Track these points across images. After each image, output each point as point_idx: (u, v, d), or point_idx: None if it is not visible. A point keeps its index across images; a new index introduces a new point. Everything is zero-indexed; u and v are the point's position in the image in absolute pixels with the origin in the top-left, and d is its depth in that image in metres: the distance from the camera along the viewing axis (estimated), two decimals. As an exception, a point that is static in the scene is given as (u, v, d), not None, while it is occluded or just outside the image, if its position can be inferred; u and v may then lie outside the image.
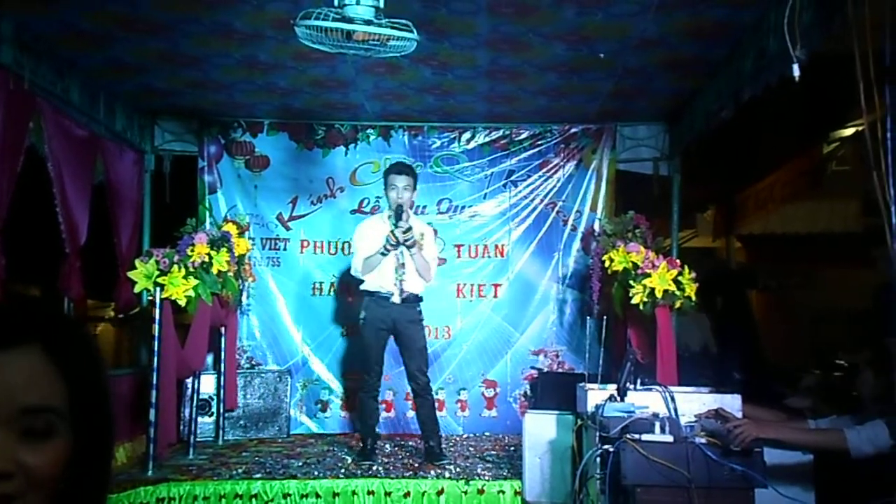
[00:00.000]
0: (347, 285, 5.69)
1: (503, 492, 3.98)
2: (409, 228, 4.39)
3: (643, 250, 4.39)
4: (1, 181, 3.56)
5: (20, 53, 3.72)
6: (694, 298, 4.24)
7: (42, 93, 3.97)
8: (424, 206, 5.69)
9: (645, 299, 4.21)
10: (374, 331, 4.51)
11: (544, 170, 5.73)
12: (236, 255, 4.89)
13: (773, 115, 5.09)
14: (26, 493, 0.74)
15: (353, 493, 3.99)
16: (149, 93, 4.95)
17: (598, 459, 3.23)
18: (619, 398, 3.41)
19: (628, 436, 3.12)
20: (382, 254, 4.41)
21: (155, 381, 4.14)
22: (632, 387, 3.54)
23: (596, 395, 3.56)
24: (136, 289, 4.37)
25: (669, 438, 3.05)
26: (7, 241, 3.70)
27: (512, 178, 5.76)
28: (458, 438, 5.27)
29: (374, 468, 4.27)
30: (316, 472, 4.15)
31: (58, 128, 4.17)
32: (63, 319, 0.83)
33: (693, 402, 3.36)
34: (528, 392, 5.41)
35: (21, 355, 0.75)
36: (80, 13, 3.68)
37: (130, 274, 4.67)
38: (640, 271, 4.28)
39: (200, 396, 4.98)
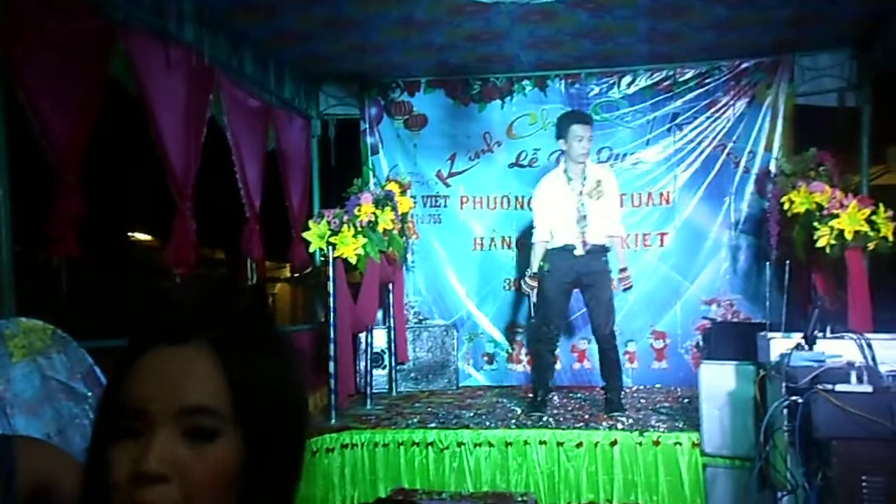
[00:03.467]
0: (510, 239, 5.71)
1: (680, 444, 3.86)
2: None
3: (828, 189, 4.06)
4: (188, 152, 3.84)
5: (200, 30, 3.96)
6: (891, 238, 3.87)
7: (219, 66, 4.22)
8: (583, 156, 5.57)
9: (832, 242, 3.90)
10: (556, 284, 4.44)
11: (712, 110, 5.41)
12: (400, 213, 5.02)
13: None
14: (181, 501, 0.68)
15: (526, 442, 4.03)
16: (313, 59, 5.13)
17: (786, 411, 3.06)
18: (806, 347, 3.20)
19: (820, 386, 2.93)
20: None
21: (332, 336, 4.36)
22: (820, 335, 3.31)
23: (780, 345, 3.36)
24: (311, 249, 4.60)
25: (868, 388, 2.83)
26: (195, 208, 3.99)
27: (676, 121, 5.49)
28: (628, 390, 5.16)
29: (545, 419, 4.28)
30: (487, 423, 4.23)
31: (234, 99, 4.42)
32: (241, 317, 0.78)
33: (893, 350, 3.09)
34: (701, 343, 5.20)
35: (184, 351, 0.72)
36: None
37: (304, 235, 4.93)
38: (825, 212, 3.96)
39: (374, 350, 5.20)
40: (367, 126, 5.79)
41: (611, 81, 5.54)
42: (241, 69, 4.55)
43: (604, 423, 4.12)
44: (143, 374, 0.71)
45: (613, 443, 3.94)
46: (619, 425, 4.08)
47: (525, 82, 5.65)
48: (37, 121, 2.81)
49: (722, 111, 5.39)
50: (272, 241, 5.72)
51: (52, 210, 2.87)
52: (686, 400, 4.67)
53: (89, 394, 2.70)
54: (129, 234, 8.78)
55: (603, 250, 4.41)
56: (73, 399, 2.64)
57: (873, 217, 3.84)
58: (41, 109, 2.82)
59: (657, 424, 4.08)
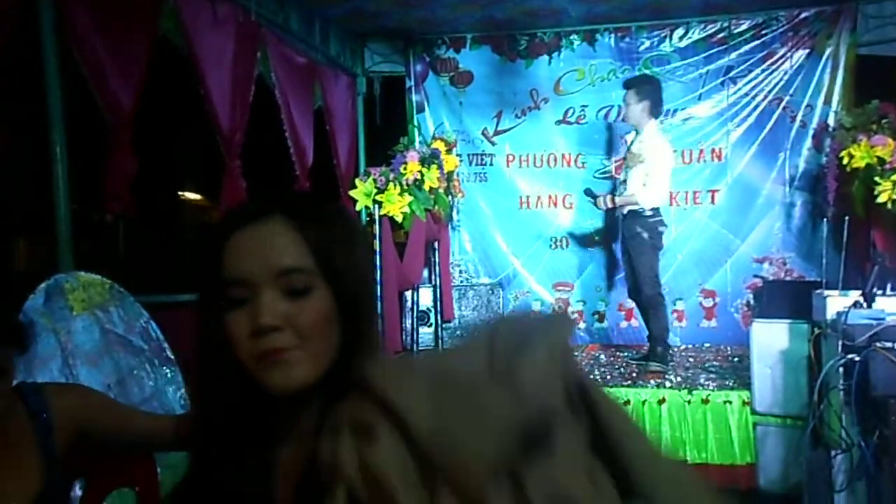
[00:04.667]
0: (556, 197, 5.66)
1: (730, 402, 3.83)
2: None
3: (891, 143, 3.91)
4: (237, 110, 3.86)
5: (245, -14, 3.96)
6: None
7: (266, 24, 4.22)
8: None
9: (894, 197, 3.76)
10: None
11: (768, 63, 5.22)
12: (445, 171, 5.00)
13: None
14: (297, 345, 0.82)
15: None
16: (358, 16, 5.09)
17: (842, 369, 3.00)
18: (865, 305, 3.13)
19: (878, 344, 2.87)
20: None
21: (379, 294, 4.39)
22: (880, 292, 3.23)
23: (837, 303, 3.29)
24: (357, 207, 4.61)
25: (930, 347, 2.76)
26: (245, 165, 4.03)
27: (730, 74, 5.31)
28: (676, 349, 5.12)
29: (592, 376, 4.28)
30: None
31: (281, 56, 4.42)
32: (302, 197, 0.96)
33: (957, 309, 3.00)
34: (752, 301, 5.11)
35: (265, 225, 0.84)
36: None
37: (351, 193, 4.94)
38: (888, 166, 3.82)
39: (420, 308, 5.23)
40: (413, 83, 5.75)
41: (662, 35, 5.38)
42: (287, 26, 4.54)
43: (652, 382, 4.10)
44: (237, 252, 0.84)
45: (661, 401, 3.93)
46: (668, 384, 4.05)
47: (573, 37, 5.52)
48: (92, 79, 2.85)
49: (779, 63, 5.20)
50: (321, 198, 5.76)
51: (108, 168, 2.92)
52: (736, 359, 4.61)
53: (145, 347, 2.78)
54: (180, 193, 8.94)
55: (646, 214, 4.40)
56: (131, 351, 2.72)
57: (939, 171, 3.69)
58: (95, 67, 2.86)
59: (706, 383, 4.04)
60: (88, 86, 2.86)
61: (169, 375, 2.78)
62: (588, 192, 4.78)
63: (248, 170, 4.05)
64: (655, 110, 4.53)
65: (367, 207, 4.59)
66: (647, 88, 4.49)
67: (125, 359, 2.69)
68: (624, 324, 5.52)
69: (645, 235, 4.39)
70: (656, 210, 4.42)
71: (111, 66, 2.90)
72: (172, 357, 2.79)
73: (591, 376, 4.24)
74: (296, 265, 0.83)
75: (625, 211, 4.48)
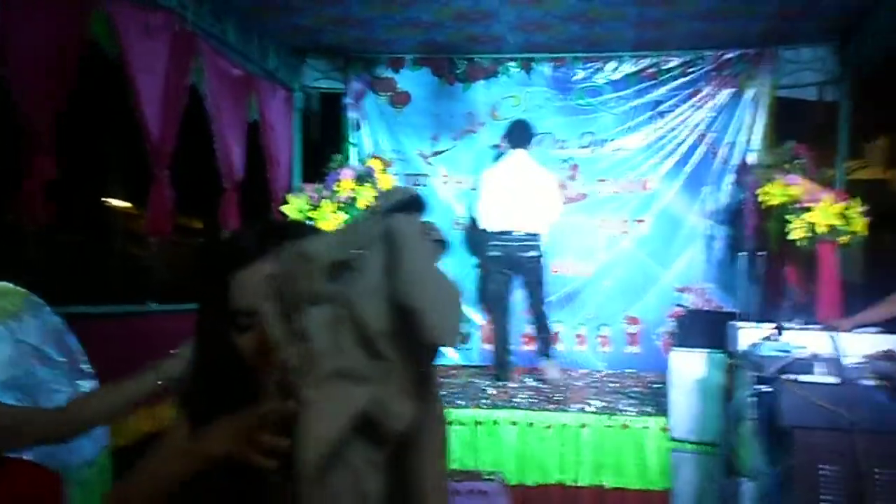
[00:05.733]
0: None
1: (648, 428, 3.93)
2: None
3: (804, 182, 4.11)
4: (167, 119, 3.79)
5: (182, -4, 3.90)
6: (863, 233, 3.93)
7: (202, 33, 4.16)
8: (565, 140, 5.58)
9: (805, 234, 3.95)
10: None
11: (695, 100, 5.43)
12: (381, 190, 5.01)
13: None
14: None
15: (495, 423, 4.07)
16: (297, 31, 5.08)
17: (753, 399, 3.12)
18: (775, 337, 3.26)
19: (786, 376, 2.99)
20: None
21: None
22: (790, 326, 3.38)
23: (750, 334, 3.43)
24: (289, 222, 4.57)
25: (832, 379, 2.90)
26: (173, 176, 3.95)
27: (659, 109, 5.51)
28: (599, 375, 5.23)
29: (516, 400, 4.32)
30: (459, 402, 4.26)
31: (216, 67, 4.36)
32: (293, 230, 1.12)
33: (859, 343, 3.16)
34: (674, 330, 5.26)
35: (265, 264, 1.01)
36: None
37: (283, 208, 4.92)
38: (799, 205, 4.01)
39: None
40: (351, 101, 5.75)
41: (596, 67, 5.53)
42: (225, 38, 4.49)
43: (574, 407, 4.17)
44: (244, 286, 1.05)
45: (583, 426, 4.00)
46: (589, 409, 4.13)
47: (511, 64, 5.63)
48: (11, 81, 2.76)
49: (704, 101, 5.42)
50: (253, 213, 5.69)
51: (25, 174, 2.83)
52: (656, 385, 4.72)
53: (62, 359, 2.68)
54: (105, 200, 8.68)
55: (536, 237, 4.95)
56: (45, 364, 2.62)
57: (847, 211, 3.89)
58: (16, 69, 2.77)
59: (626, 409, 4.13)
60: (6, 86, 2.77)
61: (86, 389, 2.69)
62: None
63: (178, 179, 3.98)
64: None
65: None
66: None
67: (39, 371, 2.58)
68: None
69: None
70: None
71: (32, 69, 2.82)
72: (91, 371, 2.70)
73: (517, 399, 4.30)
74: None
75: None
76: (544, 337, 4.98)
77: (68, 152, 3.16)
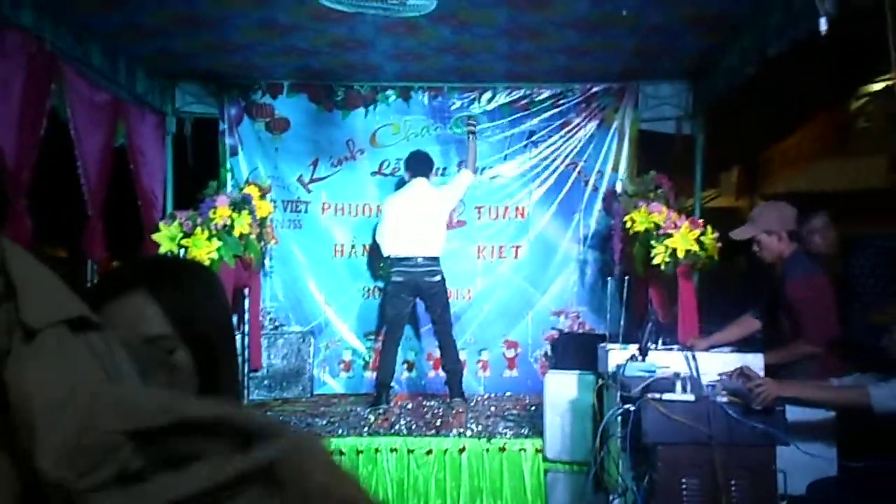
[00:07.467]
0: (370, 247, 5.72)
1: (524, 450, 4.02)
2: None
3: (665, 210, 4.36)
4: (25, 144, 3.59)
5: (40, 16, 3.72)
6: (716, 258, 4.21)
7: (63, 56, 3.98)
8: (444, 168, 5.68)
9: (667, 259, 4.19)
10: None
11: (565, 130, 5.67)
12: (258, 217, 4.93)
13: (799, 71, 4.98)
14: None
15: (377, 450, 4.06)
16: (168, 56, 4.94)
17: (620, 418, 3.25)
18: (640, 358, 3.42)
19: (649, 395, 3.13)
20: None
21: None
22: (653, 347, 3.55)
23: (617, 355, 3.57)
24: (161, 251, 4.41)
25: (690, 397, 3.06)
26: (32, 204, 3.74)
27: (532, 138, 5.71)
28: (479, 398, 5.31)
29: (397, 427, 4.32)
30: (340, 431, 4.22)
31: (78, 91, 4.18)
32: (163, 265, 1.13)
33: (715, 362, 3.36)
34: (549, 352, 5.43)
35: (132, 299, 0.97)
36: (98, -25, 3.67)
37: (155, 236, 4.72)
38: (661, 231, 4.25)
39: (225, 357, 5.03)
40: (227, 126, 5.63)
41: (472, 97, 5.68)
42: (88, 61, 4.31)
43: (454, 431, 4.21)
44: (110, 322, 0.90)
45: (462, 450, 4.05)
46: (469, 432, 4.19)
47: (389, 92, 5.69)
48: None
49: (574, 131, 5.66)
50: (123, 240, 5.44)
51: None
52: (533, 408, 4.85)
53: None
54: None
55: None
56: None
57: (702, 238, 4.17)
58: None
59: (504, 431, 4.22)
60: None
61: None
62: None
63: (37, 209, 3.77)
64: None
65: (171, 252, 4.39)
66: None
67: None
68: (432, 373, 5.65)
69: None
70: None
71: None
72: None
73: (398, 426, 4.31)
74: (159, 333, 0.96)
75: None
76: (455, 369, 5.01)
77: None
